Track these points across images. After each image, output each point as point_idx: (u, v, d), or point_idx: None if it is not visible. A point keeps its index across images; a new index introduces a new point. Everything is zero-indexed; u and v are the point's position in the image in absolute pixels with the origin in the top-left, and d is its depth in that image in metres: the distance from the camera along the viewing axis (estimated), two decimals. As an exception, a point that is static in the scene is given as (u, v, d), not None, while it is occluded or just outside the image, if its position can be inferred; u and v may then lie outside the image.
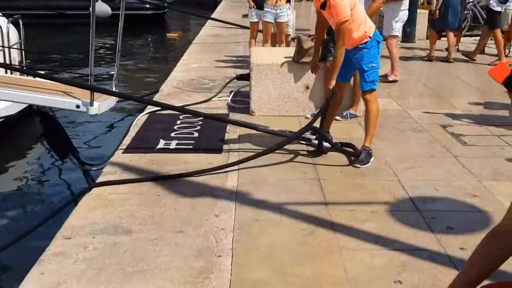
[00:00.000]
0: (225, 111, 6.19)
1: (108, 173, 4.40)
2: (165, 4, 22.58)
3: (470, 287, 1.69)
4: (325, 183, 4.21)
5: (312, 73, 5.31)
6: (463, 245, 3.24)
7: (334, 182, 4.25)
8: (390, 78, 7.64)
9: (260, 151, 4.62)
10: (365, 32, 4.50)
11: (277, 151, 4.79)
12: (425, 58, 9.50)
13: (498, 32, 9.19)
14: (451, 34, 9.28)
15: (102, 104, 5.83)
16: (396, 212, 3.73)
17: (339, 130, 5.37)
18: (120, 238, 3.32)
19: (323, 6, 4.46)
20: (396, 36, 7.76)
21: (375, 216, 3.67)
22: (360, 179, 4.31)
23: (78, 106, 5.65)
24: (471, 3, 11.60)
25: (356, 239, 3.36)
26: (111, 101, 6.09)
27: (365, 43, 4.52)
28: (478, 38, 10.77)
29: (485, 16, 10.77)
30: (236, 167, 4.46)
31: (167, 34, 18.51)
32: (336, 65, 4.51)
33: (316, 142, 4.80)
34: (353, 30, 4.44)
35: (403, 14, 7.77)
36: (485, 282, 1.72)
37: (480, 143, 5.17)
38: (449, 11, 9.11)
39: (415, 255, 3.17)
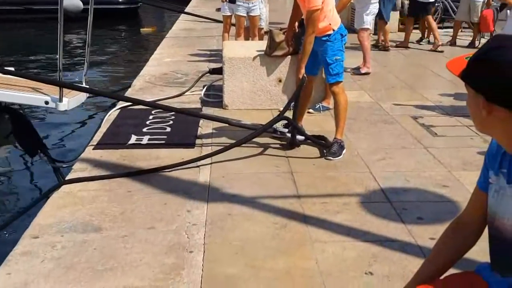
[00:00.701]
0: (198, 105, 6.15)
1: (78, 169, 4.33)
2: (138, -2, 22.35)
3: (435, 276, 1.70)
4: (297, 176, 4.21)
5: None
6: (433, 235, 3.27)
7: (306, 175, 4.25)
8: (362, 71, 7.68)
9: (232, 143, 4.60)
10: (330, 24, 4.53)
11: (249, 145, 4.79)
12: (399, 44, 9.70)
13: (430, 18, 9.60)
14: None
15: (72, 100, 5.77)
16: (368, 204, 3.76)
17: (312, 122, 5.38)
18: (89, 236, 3.27)
19: None
20: (368, 29, 7.80)
21: (347, 208, 3.68)
22: (332, 172, 4.32)
23: (47, 102, 5.58)
24: (442, -4, 11.72)
25: (328, 232, 3.38)
26: (81, 96, 6.03)
27: (329, 35, 4.54)
28: (449, 30, 10.92)
29: (455, 9, 10.91)
30: (208, 161, 4.44)
31: (141, 29, 18.32)
32: (305, 53, 4.52)
33: (289, 135, 4.81)
34: (319, 20, 4.46)
35: (374, 7, 7.81)
36: (451, 271, 1.74)
37: (450, 134, 5.23)
38: None
39: (386, 246, 3.19)
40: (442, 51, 9.30)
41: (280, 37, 5.69)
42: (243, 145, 4.68)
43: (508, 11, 5.97)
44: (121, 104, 6.02)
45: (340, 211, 3.63)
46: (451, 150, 4.80)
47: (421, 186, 4.04)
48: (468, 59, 1.47)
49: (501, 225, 1.53)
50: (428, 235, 3.31)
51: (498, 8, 8.65)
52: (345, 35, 4.70)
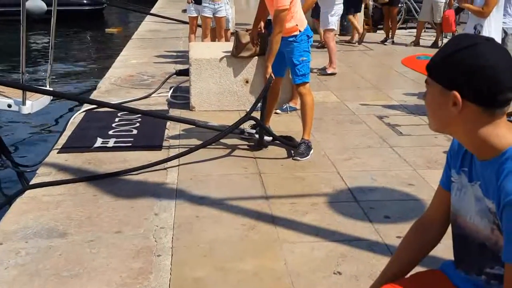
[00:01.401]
0: (165, 107, 6.11)
1: (43, 174, 4.25)
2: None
3: (401, 275, 1.72)
4: (265, 177, 4.21)
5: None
6: (400, 234, 3.31)
7: (274, 176, 4.26)
8: (328, 71, 7.74)
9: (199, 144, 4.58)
10: (296, 25, 4.56)
11: (217, 146, 4.78)
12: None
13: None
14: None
15: (35, 103, 5.67)
16: (336, 204, 3.78)
17: (279, 123, 5.39)
18: (54, 241, 3.21)
19: None
20: (333, 30, 7.87)
21: (315, 208, 3.70)
22: (300, 172, 4.34)
23: (10, 106, 5.47)
24: (405, -4, 11.91)
25: (296, 232, 3.39)
26: (45, 99, 5.93)
27: (295, 36, 4.56)
28: (413, 30, 11.09)
29: (418, 9, 11.09)
30: (176, 163, 4.41)
31: (106, 30, 18.10)
32: (272, 52, 4.54)
33: (257, 136, 4.81)
34: (286, 20, 4.47)
35: (339, 8, 7.89)
36: (417, 269, 1.76)
37: (414, 132, 5.31)
38: None
39: (354, 246, 3.22)
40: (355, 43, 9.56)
41: (246, 38, 5.69)
42: (211, 146, 4.67)
43: (469, 13, 6.08)
44: (86, 106, 5.93)
45: (308, 212, 3.65)
46: (416, 149, 4.87)
47: (387, 185, 4.09)
48: (426, 58, 1.49)
49: (463, 223, 1.56)
50: (395, 233, 3.35)
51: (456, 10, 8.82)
52: (311, 36, 4.73)
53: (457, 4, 9.57)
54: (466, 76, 1.38)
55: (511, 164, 1.37)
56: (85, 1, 20.41)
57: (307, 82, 4.68)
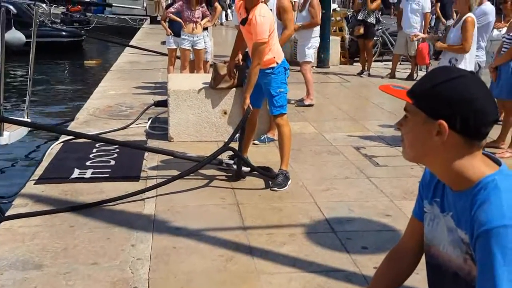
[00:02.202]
0: (143, 138, 6.11)
1: (19, 205, 4.20)
2: (82, 31, 22.16)
3: (377, 304, 1.74)
4: (243, 208, 4.22)
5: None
6: (377, 264, 3.28)
7: (252, 207, 4.27)
8: (306, 102, 7.84)
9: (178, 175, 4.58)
10: (274, 57, 4.64)
11: (195, 177, 4.79)
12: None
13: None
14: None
15: (13, 133, 5.63)
16: (313, 234, 3.80)
17: (257, 154, 5.43)
18: (30, 273, 3.17)
19: (244, 22, 4.56)
20: (310, 62, 8.00)
21: (292, 239, 3.71)
22: (278, 203, 4.36)
23: (-14, 137, 5.42)
24: (380, 30, 12.17)
25: (274, 263, 3.39)
26: (23, 130, 5.90)
27: (272, 68, 4.64)
28: (388, 63, 11.32)
29: (394, 42, 11.34)
30: (153, 193, 4.40)
31: (85, 62, 18.12)
32: (250, 84, 4.60)
33: (235, 166, 4.83)
34: (265, 53, 4.55)
35: (315, 41, 8.04)
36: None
37: (391, 163, 5.38)
38: None
39: (331, 277, 3.23)
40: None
41: (224, 70, 5.75)
42: (189, 177, 4.67)
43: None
44: (64, 137, 5.91)
45: (286, 242, 3.66)
46: (392, 179, 4.93)
47: (364, 216, 4.13)
48: (401, 88, 1.53)
49: (437, 253, 1.59)
50: (372, 264, 3.37)
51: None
52: (288, 68, 4.81)
53: (429, 43, 9.81)
54: (455, 106, 1.40)
55: (484, 195, 1.39)
56: (64, 33, 20.48)
57: (285, 113, 4.74)
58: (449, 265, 1.54)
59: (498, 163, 1.48)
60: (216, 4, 9.16)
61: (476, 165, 1.44)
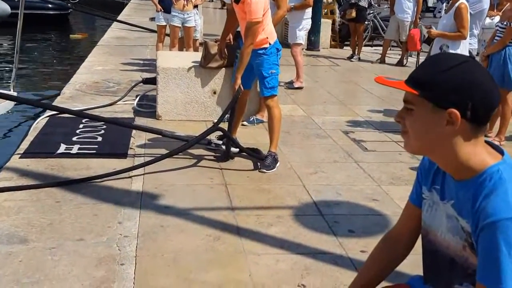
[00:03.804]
0: (131, 115, 6.05)
1: (4, 179, 4.14)
2: (69, 4, 21.80)
3: (368, 289, 1.74)
4: (231, 188, 4.21)
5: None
6: (363, 248, 3.35)
7: (240, 187, 4.26)
8: (296, 85, 7.81)
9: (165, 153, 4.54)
10: (267, 37, 4.59)
11: (183, 156, 4.75)
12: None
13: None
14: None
15: (-2, 106, 5.53)
16: (301, 217, 3.80)
17: (246, 135, 5.40)
18: (15, 247, 3.13)
19: (237, 0, 4.48)
20: (300, 44, 7.94)
21: (280, 221, 3.71)
22: (266, 184, 4.35)
23: (-29, 109, 5.32)
24: (371, 14, 12.12)
25: (262, 244, 3.39)
26: (7, 104, 5.80)
27: (265, 48, 4.60)
28: (379, 48, 11.30)
29: (385, 28, 11.31)
30: (141, 171, 4.37)
31: (71, 35, 17.84)
32: (242, 64, 4.55)
33: (224, 147, 4.80)
34: (258, 33, 4.50)
35: (307, 23, 7.97)
36: (384, 284, 1.78)
37: (379, 149, 5.39)
38: None
39: (318, 259, 3.24)
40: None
41: (215, 48, 5.69)
42: (177, 156, 4.64)
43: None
44: (50, 111, 5.82)
45: (273, 224, 3.65)
46: (380, 164, 4.94)
47: (352, 200, 4.14)
48: (394, 79, 1.48)
49: (434, 239, 1.58)
50: (358, 247, 3.38)
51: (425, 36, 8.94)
52: (280, 49, 4.77)
53: (421, 25, 9.79)
54: (464, 93, 1.36)
55: (490, 186, 1.38)
56: (50, 6, 20.13)
57: (275, 95, 4.71)
58: (446, 252, 1.54)
59: (500, 151, 1.48)
60: None
61: (478, 153, 1.42)
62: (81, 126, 5.47)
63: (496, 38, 5.92)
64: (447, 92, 1.38)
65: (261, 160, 4.66)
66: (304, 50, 9.71)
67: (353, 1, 10.23)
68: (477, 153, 1.43)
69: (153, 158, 4.52)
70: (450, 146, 1.42)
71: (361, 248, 3.37)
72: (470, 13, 5.93)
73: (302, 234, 3.54)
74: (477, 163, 1.42)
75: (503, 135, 5.83)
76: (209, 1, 20.44)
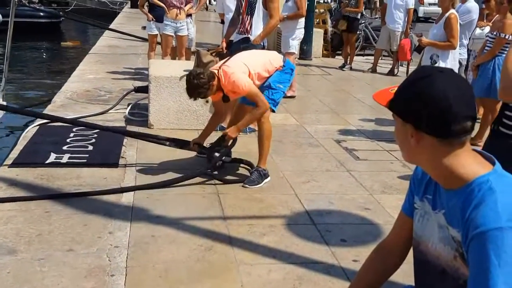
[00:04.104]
0: (123, 124, 6.01)
1: (-8, 189, 4.10)
2: (61, 13, 21.77)
3: (361, 299, 1.72)
4: (224, 198, 4.18)
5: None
6: (355, 257, 3.34)
7: (233, 197, 4.23)
8: (288, 94, 7.77)
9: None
10: (275, 67, 4.55)
11: (175, 166, 4.72)
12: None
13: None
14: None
15: (-13, 115, 5.47)
16: (293, 226, 3.78)
17: (239, 144, 5.35)
18: (3, 258, 3.08)
19: (226, 98, 4.43)
20: (293, 53, 7.95)
21: (272, 230, 3.69)
22: (258, 193, 4.33)
23: (-40, 117, 5.27)
24: (363, 25, 12.18)
25: (254, 254, 3.36)
26: (-3, 112, 5.74)
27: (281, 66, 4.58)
28: (370, 57, 11.34)
29: (376, 37, 11.36)
30: (132, 181, 4.34)
31: (62, 43, 17.80)
32: (244, 125, 4.56)
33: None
34: (261, 77, 4.48)
35: (300, 32, 7.98)
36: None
37: (371, 157, 5.39)
38: None
39: (310, 268, 3.21)
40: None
41: (207, 57, 5.67)
42: (169, 165, 4.60)
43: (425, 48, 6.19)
44: (40, 120, 5.79)
45: (265, 233, 3.63)
46: (372, 173, 4.94)
47: (344, 209, 4.12)
48: (393, 91, 1.51)
49: (425, 249, 1.57)
50: (351, 257, 3.36)
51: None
52: (294, 70, 4.77)
53: (412, 35, 9.85)
54: (419, 108, 1.39)
55: (479, 196, 1.38)
56: (42, 14, 20.10)
57: (272, 110, 4.59)
58: (437, 262, 1.53)
59: (492, 161, 1.47)
60: None
61: (466, 164, 1.42)
62: (71, 135, 5.43)
63: (486, 48, 5.96)
64: (405, 107, 1.43)
65: (251, 167, 4.62)
66: (297, 59, 9.72)
67: (346, 14, 10.31)
68: (464, 164, 1.42)
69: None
70: (427, 157, 1.45)
71: (353, 257, 3.35)
72: (459, 23, 5.96)
73: (295, 243, 3.52)
74: (466, 173, 1.42)
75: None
76: (206, 8, 20.47)
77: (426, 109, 1.38)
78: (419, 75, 1.45)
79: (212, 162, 4.54)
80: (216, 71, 4.35)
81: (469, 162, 1.43)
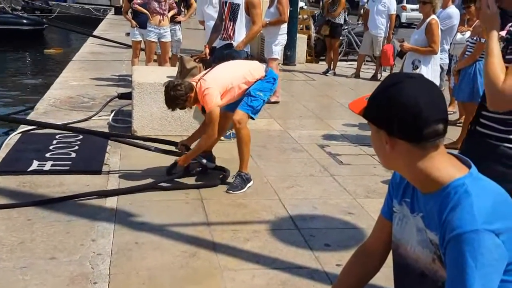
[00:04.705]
0: (106, 131, 5.98)
1: (-27, 197, 4.06)
2: (44, 20, 21.65)
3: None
4: (207, 203, 4.18)
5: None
6: (339, 262, 3.35)
7: (216, 202, 4.23)
8: (272, 99, 7.79)
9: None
10: (256, 78, 4.51)
11: (158, 173, 4.71)
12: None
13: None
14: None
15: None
16: (277, 231, 3.79)
17: (223, 150, 5.36)
18: (-16, 267, 3.06)
19: (203, 109, 4.46)
20: (276, 59, 7.98)
21: (256, 236, 3.69)
22: (242, 199, 4.33)
23: None
24: (346, 30, 12.26)
25: (238, 259, 3.36)
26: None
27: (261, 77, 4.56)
28: (354, 63, 11.42)
29: (359, 43, 11.44)
30: (116, 187, 4.31)
31: (45, 50, 17.68)
32: (195, 152, 4.56)
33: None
34: (241, 89, 4.48)
35: (282, 38, 8.02)
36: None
37: (354, 162, 5.42)
38: None
39: (294, 273, 3.22)
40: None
41: (191, 63, 5.68)
42: (153, 171, 4.59)
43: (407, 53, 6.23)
44: (22, 128, 5.74)
45: (249, 239, 3.63)
46: (355, 178, 4.97)
47: (327, 213, 4.14)
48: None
49: (404, 252, 1.59)
50: (334, 261, 3.38)
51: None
52: (277, 79, 4.75)
53: (394, 40, 9.93)
54: (390, 114, 1.42)
55: (455, 199, 1.40)
56: (25, 21, 19.98)
57: (251, 118, 4.52)
58: (416, 265, 1.54)
59: (468, 164, 1.49)
60: (193, 0, 9.05)
61: (442, 167, 1.44)
62: (54, 142, 5.40)
63: (467, 53, 6.04)
64: (377, 114, 1.46)
65: (225, 177, 4.62)
66: (280, 65, 9.76)
67: (327, 19, 10.37)
68: (439, 167, 1.45)
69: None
70: (402, 163, 1.47)
71: (337, 261, 3.36)
72: (440, 29, 6.03)
73: (279, 248, 3.53)
74: (441, 177, 1.44)
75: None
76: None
77: (397, 115, 1.41)
78: (390, 82, 1.47)
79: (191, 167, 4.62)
80: (194, 83, 4.36)
81: (445, 165, 1.45)
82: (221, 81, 4.40)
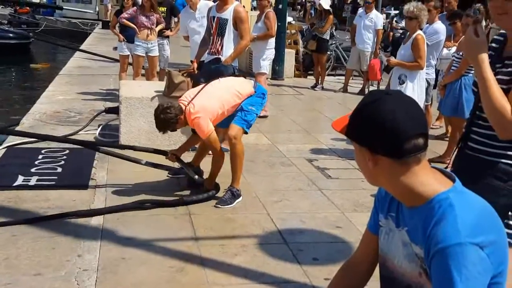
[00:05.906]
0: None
1: (-43, 212, 4.00)
2: (31, 34, 21.58)
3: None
4: (195, 218, 4.15)
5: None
6: (327, 276, 3.33)
7: (204, 217, 4.20)
8: (261, 114, 7.77)
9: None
10: (245, 96, 4.54)
11: (146, 188, 4.68)
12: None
13: None
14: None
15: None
16: (265, 245, 3.77)
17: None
18: (-33, 284, 3.00)
19: (194, 130, 4.52)
20: (264, 73, 8.00)
21: (244, 250, 3.67)
22: (230, 213, 4.31)
23: None
24: (334, 45, 12.34)
25: (226, 274, 3.34)
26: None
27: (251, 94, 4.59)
28: (341, 77, 11.48)
29: (347, 58, 11.51)
30: (102, 203, 4.28)
31: (31, 65, 17.60)
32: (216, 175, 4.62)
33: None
34: (230, 110, 4.51)
35: (270, 53, 8.04)
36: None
37: (342, 176, 5.43)
38: None
39: (282, 288, 3.20)
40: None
41: (179, 78, 5.67)
42: (141, 186, 4.56)
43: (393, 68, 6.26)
44: (8, 142, 5.69)
45: (238, 253, 3.61)
46: (343, 192, 4.96)
47: (316, 227, 4.13)
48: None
49: (391, 266, 1.58)
50: (323, 275, 3.36)
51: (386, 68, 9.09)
52: (266, 93, 4.78)
53: (381, 55, 10.01)
54: (369, 132, 1.43)
55: (439, 213, 1.40)
56: (11, 35, 19.91)
57: (245, 132, 4.57)
58: (402, 279, 1.54)
59: (452, 178, 1.49)
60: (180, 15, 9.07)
61: (425, 181, 1.45)
62: (40, 157, 5.35)
63: (453, 68, 6.09)
64: (358, 132, 1.47)
65: (193, 181, 4.66)
66: (269, 79, 9.78)
67: (314, 33, 10.44)
68: (422, 182, 1.45)
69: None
70: (387, 179, 1.48)
71: (325, 275, 3.35)
72: (427, 44, 6.07)
73: (267, 263, 3.51)
74: (425, 191, 1.45)
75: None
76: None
77: (377, 132, 1.42)
78: (368, 100, 1.48)
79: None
80: (183, 106, 4.35)
81: (428, 180, 1.46)
82: (210, 109, 4.40)
